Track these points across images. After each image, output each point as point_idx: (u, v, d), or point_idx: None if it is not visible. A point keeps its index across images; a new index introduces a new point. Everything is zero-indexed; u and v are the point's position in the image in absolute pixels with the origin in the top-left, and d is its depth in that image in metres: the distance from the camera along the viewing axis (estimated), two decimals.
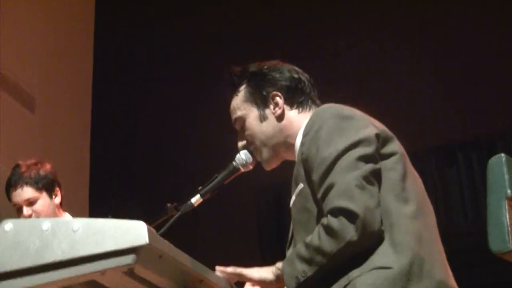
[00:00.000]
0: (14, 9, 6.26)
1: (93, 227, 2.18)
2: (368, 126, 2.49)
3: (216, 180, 2.81)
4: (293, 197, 2.56)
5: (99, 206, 5.64)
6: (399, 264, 2.28)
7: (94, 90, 7.20)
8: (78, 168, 6.41)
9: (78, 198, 6.09)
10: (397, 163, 2.47)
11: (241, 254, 4.68)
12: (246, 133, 2.78)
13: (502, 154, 2.51)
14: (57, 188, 4.05)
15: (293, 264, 2.41)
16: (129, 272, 2.17)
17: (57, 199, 4.03)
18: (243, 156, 2.81)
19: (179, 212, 2.72)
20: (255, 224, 7.14)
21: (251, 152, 2.81)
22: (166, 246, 2.27)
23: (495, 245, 2.44)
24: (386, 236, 2.33)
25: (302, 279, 2.37)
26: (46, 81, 6.53)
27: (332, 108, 2.57)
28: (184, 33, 7.34)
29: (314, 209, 2.45)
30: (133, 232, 2.14)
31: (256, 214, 7.19)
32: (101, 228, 2.17)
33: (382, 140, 2.48)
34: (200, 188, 2.80)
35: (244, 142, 2.80)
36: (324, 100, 2.75)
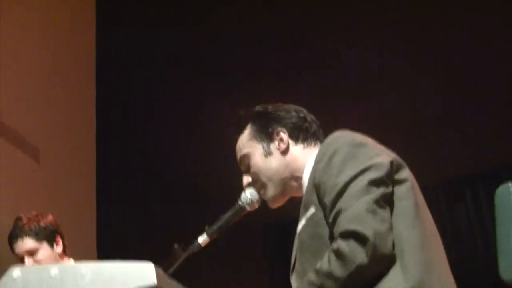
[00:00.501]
0: (15, 60, 6.30)
1: (101, 271, 2.17)
2: (381, 153, 2.51)
3: (222, 220, 2.81)
4: (303, 221, 2.55)
5: (107, 249, 5.64)
6: None
7: (98, 137, 7.22)
8: (84, 215, 6.40)
9: (86, 243, 6.08)
10: (409, 191, 2.47)
11: None
12: (252, 170, 2.79)
13: (510, 183, 2.51)
14: (58, 238, 4.20)
15: None
16: None
17: (59, 248, 4.19)
18: (248, 195, 2.81)
19: (186, 253, 2.72)
20: (263, 261, 7.11)
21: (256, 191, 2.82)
22: (174, 287, 2.25)
23: (506, 274, 2.43)
24: (398, 262, 2.32)
25: None
26: (49, 131, 6.54)
27: (345, 135, 2.59)
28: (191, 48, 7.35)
29: (325, 234, 2.45)
30: (141, 274, 2.13)
31: (263, 252, 7.17)
32: (109, 271, 2.16)
33: (395, 166, 2.48)
34: (206, 228, 2.81)
35: (250, 179, 2.80)
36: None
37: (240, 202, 2.82)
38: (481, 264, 5.95)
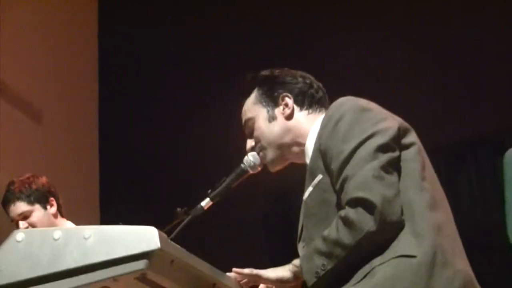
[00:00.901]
0: (17, 22, 6.28)
1: (104, 234, 2.19)
2: (387, 118, 2.49)
3: (225, 183, 2.81)
4: (310, 189, 2.53)
5: (110, 213, 5.65)
6: (423, 253, 2.26)
7: (101, 98, 7.21)
8: (87, 177, 6.43)
9: (89, 206, 6.11)
10: (417, 154, 2.46)
11: (250, 256, 4.66)
12: (255, 134, 2.77)
13: None
14: (51, 198, 4.19)
15: (311, 259, 2.39)
16: (142, 277, 2.18)
17: (53, 209, 4.17)
18: (251, 158, 2.80)
19: (190, 216, 2.71)
20: (262, 226, 7.13)
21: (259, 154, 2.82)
22: (178, 251, 2.27)
23: None
24: (408, 225, 2.31)
25: (321, 273, 2.35)
26: (52, 92, 6.53)
27: (350, 101, 2.56)
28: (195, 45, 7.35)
29: (333, 201, 2.43)
30: (144, 237, 2.15)
31: (262, 217, 7.18)
32: (112, 235, 2.18)
33: (402, 131, 2.47)
34: (209, 191, 2.80)
35: (253, 142, 2.79)
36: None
37: (243, 165, 2.81)
38: (482, 228, 5.96)
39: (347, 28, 6.81)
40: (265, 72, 2.84)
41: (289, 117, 2.73)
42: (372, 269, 2.27)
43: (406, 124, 2.52)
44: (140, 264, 2.13)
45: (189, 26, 7.23)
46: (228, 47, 7.07)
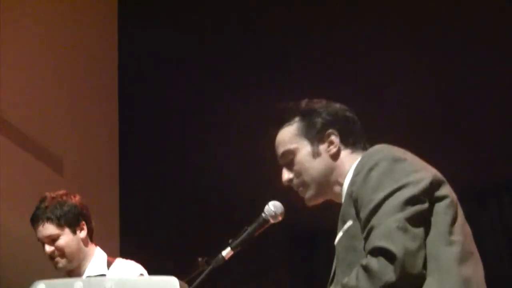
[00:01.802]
0: (38, 69, 6.33)
1: (125, 286, 2.17)
2: (420, 170, 2.47)
3: (246, 233, 2.80)
4: (340, 234, 2.52)
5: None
6: None
7: (120, 141, 7.23)
8: (107, 229, 6.41)
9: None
10: (449, 207, 2.44)
11: None
12: (295, 167, 2.72)
13: None
14: (83, 222, 3.94)
15: None
16: None
17: (83, 234, 3.93)
18: (272, 207, 2.81)
19: (210, 266, 2.71)
20: (288, 273, 7.08)
21: (279, 203, 2.82)
22: None
23: None
24: (435, 280, 2.29)
25: None
26: (72, 142, 6.57)
27: (385, 150, 2.55)
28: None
29: (361, 248, 2.41)
30: None
31: (288, 264, 7.14)
32: (134, 285, 2.17)
33: (436, 184, 2.45)
34: (230, 241, 2.79)
35: (291, 176, 2.73)
36: None
37: (263, 215, 2.81)
38: (508, 274, 5.91)
39: (348, 29, 6.83)
40: (308, 104, 2.78)
41: (335, 156, 2.70)
42: None
43: (440, 176, 2.50)
44: None
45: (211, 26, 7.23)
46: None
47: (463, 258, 2.37)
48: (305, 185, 2.72)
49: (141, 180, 7.39)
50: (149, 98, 7.60)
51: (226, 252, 2.77)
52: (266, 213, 2.81)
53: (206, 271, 2.68)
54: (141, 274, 3.72)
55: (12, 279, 5.54)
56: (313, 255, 6.50)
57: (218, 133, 7.12)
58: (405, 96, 6.61)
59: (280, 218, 2.82)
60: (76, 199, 3.97)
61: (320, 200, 2.76)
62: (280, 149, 2.75)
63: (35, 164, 6.09)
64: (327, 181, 2.70)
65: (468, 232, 2.51)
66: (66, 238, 3.87)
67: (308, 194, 2.73)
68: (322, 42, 6.98)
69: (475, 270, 2.42)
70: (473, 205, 6.59)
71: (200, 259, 2.72)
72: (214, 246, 2.83)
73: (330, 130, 2.72)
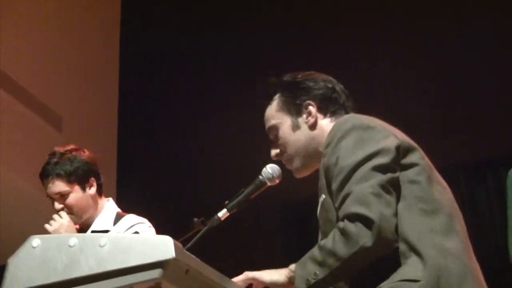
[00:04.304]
0: (39, 30, 6.29)
1: (120, 243, 2.17)
2: (388, 136, 2.48)
3: (242, 195, 2.81)
4: (318, 207, 2.56)
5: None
6: (427, 276, 2.26)
7: (120, 104, 7.23)
8: (104, 186, 6.42)
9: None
10: (419, 175, 2.45)
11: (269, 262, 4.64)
12: (279, 142, 2.77)
13: None
14: (92, 179, 3.92)
15: (305, 266, 2.41)
16: (156, 287, 2.16)
17: (92, 190, 3.91)
18: (269, 170, 2.81)
19: (206, 227, 2.71)
20: (281, 240, 7.10)
21: (278, 165, 2.82)
22: (193, 261, 2.25)
23: None
24: (412, 249, 2.31)
25: (312, 281, 2.37)
26: (73, 100, 6.55)
27: (352, 119, 2.57)
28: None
29: (334, 219, 2.44)
30: (159, 247, 2.13)
31: (282, 231, 7.16)
32: (128, 243, 2.16)
33: (403, 151, 2.46)
34: (226, 202, 2.79)
35: (277, 151, 2.79)
36: None
37: (261, 177, 2.81)
38: (503, 247, 5.92)
39: (347, 31, 6.82)
40: (287, 77, 2.83)
41: (313, 126, 2.74)
42: None
43: (409, 143, 2.51)
44: (155, 273, 2.11)
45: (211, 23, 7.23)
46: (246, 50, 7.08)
47: (441, 227, 2.38)
48: (290, 158, 2.77)
49: (140, 138, 7.39)
50: (150, 57, 7.58)
51: (222, 213, 2.77)
52: (264, 175, 2.81)
53: (202, 232, 2.69)
54: (136, 232, 3.73)
55: (11, 237, 5.56)
56: (305, 224, 6.54)
57: (219, 99, 7.12)
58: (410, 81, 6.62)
59: (277, 181, 2.82)
60: (85, 154, 3.94)
61: (308, 171, 2.80)
62: (266, 126, 2.82)
63: (34, 119, 6.07)
64: (310, 151, 2.73)
65: (449, 197, 2.51)
66: (76, 196, 3.86)
67: (294, 166, 2.77)
68: (322, 41, 6.98)
69: (455, 236, 2.41)
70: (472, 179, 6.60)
71: (195, 219, 2.72)
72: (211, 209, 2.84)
73: (307, 102, 2.74)
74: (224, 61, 7.28)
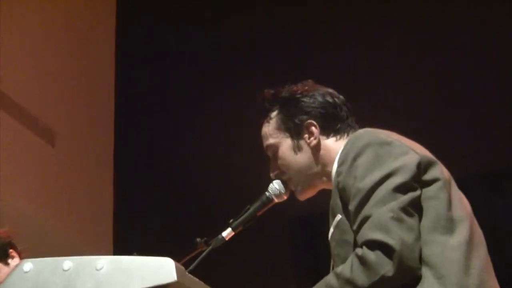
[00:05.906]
0: (33, 44, 6.24)
1: (118, 265, 2.08)
2: (407, 152, 2.35)
3: (248, 212, 2.70)
4: (331, 229, 2.44)
5: (124, 243, 5.51)
6: None
7: (116, 120, 7.15)
8: (101, 203, 6.31)
9: (102, 235, 5.99)
10: (440, 191, 2.32)
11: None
12: (279, 162, 2.67)
13: None
14: (12, 251, 3.93)
15: None
16: None
17: (15, 261, 3.90)
18: (276, 186, 2.70)
19: (210, 247, 2.60)
20: (289, 256, 7.01)
21: (284, 182, 2.70)
22: (195, 283, 2.17)
23: None
24: (431, 268, 2.20)
25: None
26: (66, 115, 6.48)
27: (368, 134, 2.44)
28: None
29: (352, 241, 2.33)
30: (160, 269, 2.04)
31: (289, 246, 7.07)
32: (127, 266, 2.07)
33: (424, 166, 2.33)
34: (231, 221, 2.68)
35: (277, 171, 2.69)
36: None
37: (267, 194, 2.70)
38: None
39: (343, 30, 6.81)
40: (285, 93, 2.71)
41: (316, 147, 2.62)
42: None
43: (430, 157, 2.39)
44: None
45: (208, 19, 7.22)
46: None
47: (461, 244, 2.26)
48: (291, 180, 2.67)
49: (137, 153, 7.33)
50: (147, 72, 7.52)
51: (227, 233, 2.66)
52: (271, 191, 2.70)
53: (205, 253, 2.58)
54: None
55: None
56: (314, 240, 6.47)
57: (220, 111, 7.06)
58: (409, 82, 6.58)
59: (284, 197, 2.71)
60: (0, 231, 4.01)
61: (311, 193, 2.70)
62: (264, 143, 2.72)
63: (27, 135, 5.99)
64: (313, 174, 2.63)
65: (468, 213, 2.39)
66: (3, 272, 3.81)
67: (297, 188, 2.68)
68: (322, 40, 6.96)
69: (475, 253, 2.30)
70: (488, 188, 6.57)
71: (198, 239, 2.61)
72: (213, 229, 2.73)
73: (309, 121, 2.64)
74: (223, 64, 7.21)
